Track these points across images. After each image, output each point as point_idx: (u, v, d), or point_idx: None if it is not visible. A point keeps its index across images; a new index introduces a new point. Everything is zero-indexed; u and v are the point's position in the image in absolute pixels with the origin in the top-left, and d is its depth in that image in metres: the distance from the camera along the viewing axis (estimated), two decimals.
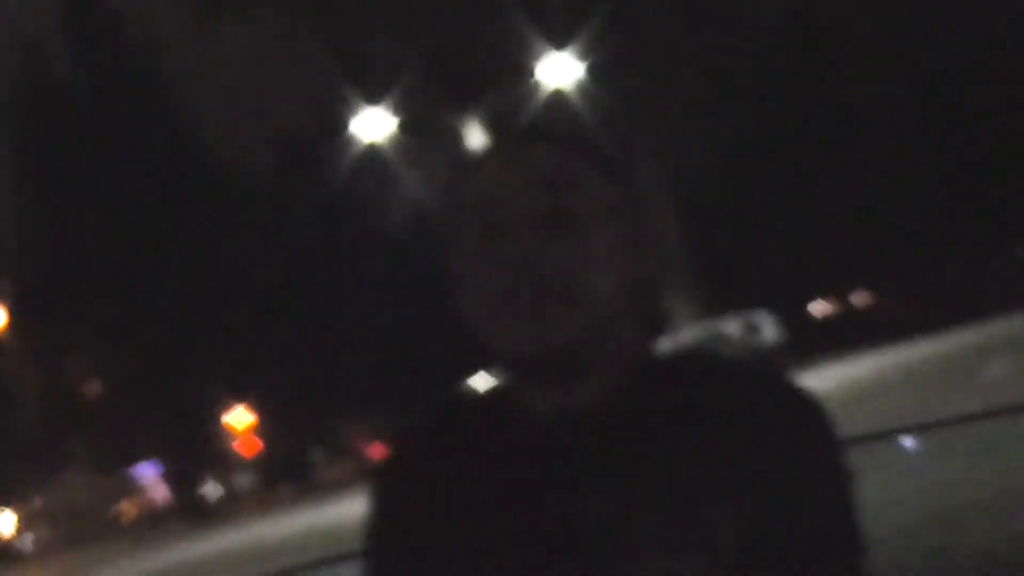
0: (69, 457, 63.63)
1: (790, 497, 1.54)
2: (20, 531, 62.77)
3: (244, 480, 58.82)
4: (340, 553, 18.63)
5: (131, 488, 63.63)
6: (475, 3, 31.80)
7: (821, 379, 25.63)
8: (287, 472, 56.57)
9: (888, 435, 13.34)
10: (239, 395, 57.63)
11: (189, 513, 52.54)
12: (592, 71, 30.46)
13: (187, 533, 42.74)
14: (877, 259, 44.05)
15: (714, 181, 43.23)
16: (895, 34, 41.69)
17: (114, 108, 53.41)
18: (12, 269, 57.05)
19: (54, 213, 53.36)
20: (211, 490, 56.74)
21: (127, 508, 61.18)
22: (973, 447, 12.91)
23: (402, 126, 32.27)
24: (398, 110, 32.20)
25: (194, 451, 57.34)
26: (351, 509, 29.77)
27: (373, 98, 32.19)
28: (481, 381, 27.53)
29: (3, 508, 62.83)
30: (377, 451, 31.09)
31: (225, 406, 58.62)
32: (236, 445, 59.32)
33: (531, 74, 29.02)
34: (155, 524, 54.04)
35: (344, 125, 33.71)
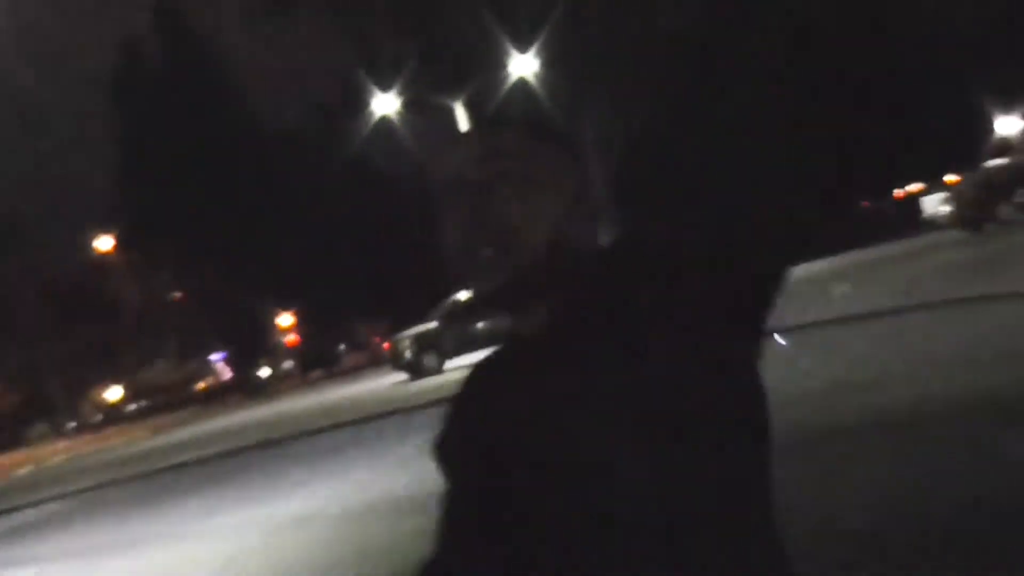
0: (161, 348, 64.07)
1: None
2: (125, 400, 63.03)
3: (287, 366, 58.97)
4: (355, 418, 18.74)
5: (205, 371, 63.84)
6: (458, 7, 31.29)
7: None
8: (319, 361, 56.69)
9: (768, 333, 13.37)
10: (285, 303, 57.85)
11: (247, 389, 52.63)
12: (549, 64, 30.14)
13: (245, 403, 42.81)
14: None
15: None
16: None
17: (191, 89, 53.17)
18: (116, 208, 57.14)
19: (148, 167, 53.30)
20: (263, 373, 56.79)
21: (202, 385, 61.35)
22: (823, 345, 13.04)
23: (405, 105, 32.00)
24: (403, 91, 31.94)
25: (251, 344, 57.65)
26: (366, 387, 29.95)
27: (384, 82, 31.91)
28: (466, 295, 27.53)
29: (113, 383, 63.30)
30: (387, 347, 31.08)
31: (274, 311, 58.88)
32: (282, 339, 59.63)
33: (503, 66, 28.79)
34: (222, 397, 54.09)
35: (364, 103, 33.35)
